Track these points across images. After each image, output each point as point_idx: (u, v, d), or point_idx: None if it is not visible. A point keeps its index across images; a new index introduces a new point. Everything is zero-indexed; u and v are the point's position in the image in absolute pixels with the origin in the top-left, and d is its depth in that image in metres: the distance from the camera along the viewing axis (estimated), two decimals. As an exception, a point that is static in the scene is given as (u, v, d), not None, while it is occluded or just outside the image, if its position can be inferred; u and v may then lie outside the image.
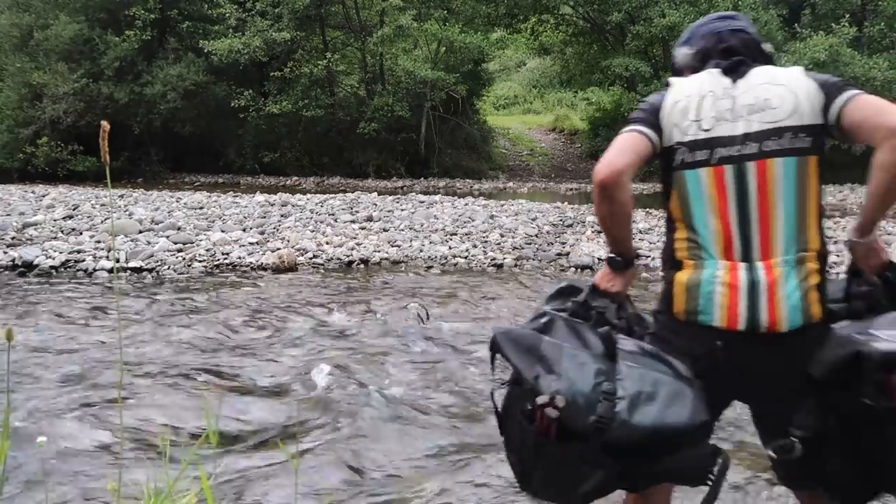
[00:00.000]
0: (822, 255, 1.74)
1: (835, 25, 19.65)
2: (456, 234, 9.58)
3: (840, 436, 1.70)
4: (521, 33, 28.28)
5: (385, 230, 9.81)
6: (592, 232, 9.68)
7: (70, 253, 7.89)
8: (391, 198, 13.85)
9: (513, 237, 9.32)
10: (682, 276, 1.77)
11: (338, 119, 23.32)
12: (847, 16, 20.31)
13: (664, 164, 1.84)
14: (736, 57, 1.80)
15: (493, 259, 8.22)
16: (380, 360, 4.56)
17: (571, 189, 20.35)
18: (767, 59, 1.84)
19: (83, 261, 7.64)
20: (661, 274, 1.92)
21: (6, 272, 7.40)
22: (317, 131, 23.50)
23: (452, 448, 3.30)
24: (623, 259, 1.87)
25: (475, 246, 8.82)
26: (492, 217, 10.87)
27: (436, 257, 8.29)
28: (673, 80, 1.87)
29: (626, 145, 1.80)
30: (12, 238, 8.75)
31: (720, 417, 1.88)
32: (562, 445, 1.64)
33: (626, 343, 1.75)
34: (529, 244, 8.92)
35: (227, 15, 22.62)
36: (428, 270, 7.89)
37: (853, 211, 13.71)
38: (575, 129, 29.37)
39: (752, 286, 1.69)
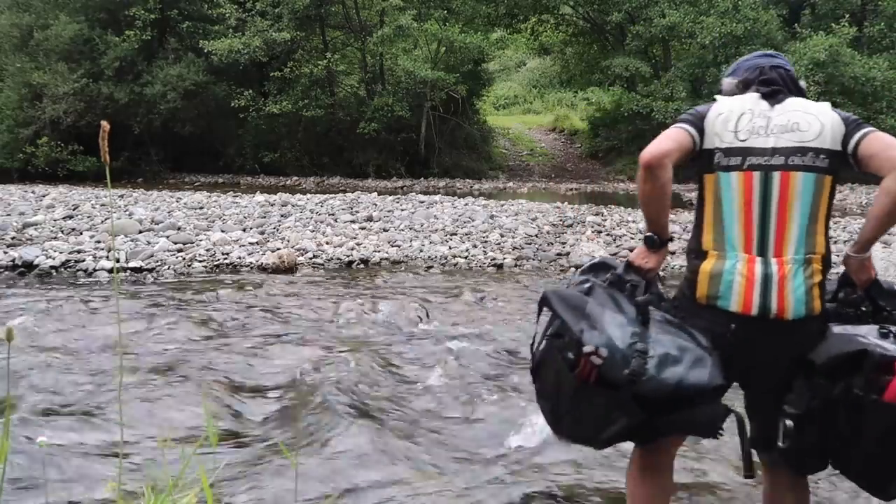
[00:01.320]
0: (826, 259, 2.02)
1: (835, 25, 19.64)
2: (456, 234, 9.57)
3: (819, 416, 1.96)
4: (521, 33, 28.26)
5: (385, 230, 9.81)
6: (592, 232, 9.68)
7: (70, 253, 7.89)
8: (391, 198, 13.84)
9: (513, 237, 9.32)
10: (706, 266, 2.05)
11: (338, 119, 23.30)
12: (847, 16, 20.29)
13: (701, 165, 2.09)
14: (775, 87, 2.09)
15: (493, 259, 8.22)
16: (379, 360, 4.56)
17: (571, 189, 20.34)
18: (801, 93, 2.12)
19: (83, 261, 7.64)
20: (685, 263, 2.20)
21: (6, 272, 7.40)
22: (317, 131, 23.48)
23: (453, 450, 3.30)
24: (659, 238, 2.12)
25: (475, 246, 8.82)
26: (492, 217, 10.86)
27: (436, 257, 8.29)
28: (719, 97, 2.16)
29: (672, 136, 2.04)
30: (12, 238, 8.75)
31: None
32: (598, 390, 1.93)
33: (655, 314, 2.03)
34: (529, 244, 8.92)
35: (227, 15, 22.60)
36: (428, 270, 7.89)
37: (853, 211, 13.71)
38: (575, 129, 29.35)
39: (766, 278, 1.98)
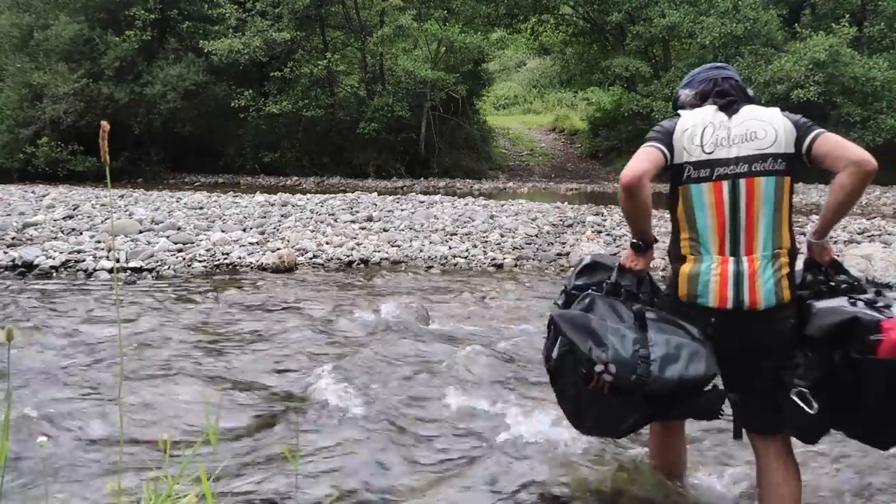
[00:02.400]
0: (792, 253, 2.26)
1: (835, 25, 19.65)
2: (456, 234, 9.57)
3: (825, 385, 2.15)
4: (521, 33, 28.30)
5: (385, 230, 9.81)
6: (592, 232, 9.68)
7: (70, 253, 7.89)
8: (391, 198, 13.85)
9: (513, 237, 9.32)
10: (685, 268, 2.30)
11: (338, 119, 23.32)
12: (847, 16, 20.30)
13: (673, 178, 2.30)
14: (729, 97, 2.31)
15: (493, 259, 8.22)
16: (379, 360, 4.56)
17: (571, 189, 20.35)
18: (752, 100, 2.36)
19: (83, 261, 7.63)
20: (668, 265, 2.46)
21: (6, 272, 7.39)
22: (317, 131, 23.50)
23: (452, 452, 3.30)
24: (644, 243, 2.39)
25: (475, 246, 8.82)
26: (492, 217, 10.87)
27: (436, 257, 8.29)
28: (682, 112, 2.37)
29: (646, 156, 2.25)
30: (12, 238, 8.75)
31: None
32: (612, 397, 2.17)
33: (650, 314, 2.25)
34: (529, 244, 8.92)
35: (227, 15, 22.62)
36: (428, 270, 7.89)
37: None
38: (575, 129, 29.38)
39: (738, 276, 2.22)
